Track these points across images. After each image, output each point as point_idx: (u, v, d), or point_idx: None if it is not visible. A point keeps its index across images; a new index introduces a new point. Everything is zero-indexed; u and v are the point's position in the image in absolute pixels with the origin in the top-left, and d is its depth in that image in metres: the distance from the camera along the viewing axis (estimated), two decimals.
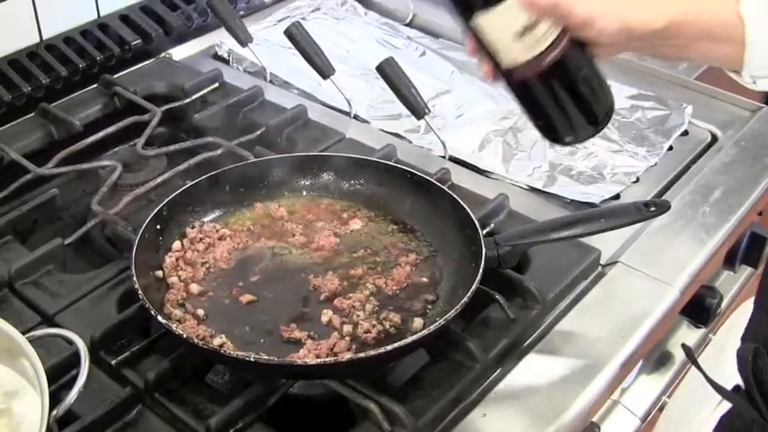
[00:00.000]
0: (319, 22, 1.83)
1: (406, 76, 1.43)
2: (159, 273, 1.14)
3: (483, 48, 0.95)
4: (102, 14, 1.68)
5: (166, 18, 1.73)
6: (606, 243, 1.24)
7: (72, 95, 1.57)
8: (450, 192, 1.20)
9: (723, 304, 1.42)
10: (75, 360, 0.99)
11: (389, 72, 1.43)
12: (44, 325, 1.10)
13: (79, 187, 1.43)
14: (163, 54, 1.71)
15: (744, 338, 1.15)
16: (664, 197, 1.37)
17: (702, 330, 1.43)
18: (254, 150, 1.37)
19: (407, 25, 1.88)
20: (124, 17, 1.70)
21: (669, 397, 1.36)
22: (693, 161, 1.46)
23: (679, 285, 1.21)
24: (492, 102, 1.57)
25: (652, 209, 1.11)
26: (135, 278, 1.05)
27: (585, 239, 1.20)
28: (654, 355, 1.36)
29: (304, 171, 1.28)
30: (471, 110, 1.55)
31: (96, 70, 1.60)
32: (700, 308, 1.38)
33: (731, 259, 1.45)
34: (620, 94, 1.61)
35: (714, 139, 1.51)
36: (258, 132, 1.43)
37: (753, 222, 1.42)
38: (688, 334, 1.42)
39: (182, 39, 1.75)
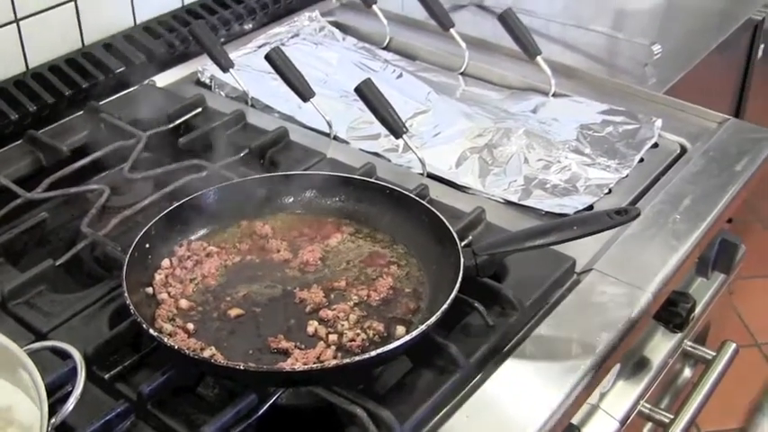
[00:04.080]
0: (298, 48, 1.87)
1: (383, 97, 1.48)
2: (149, 290, 1.18)
3: None
4: (86, 43, 1.73)
5: (149, 46, 1.77)
6: (581, 252, 1.29)
7: (59, 122, 1.62)
8: (428, 205, 1.24)
9: (697, 310, 1.47)
10: (68, 376, 1.03)
11: (368, 93, 1.47)
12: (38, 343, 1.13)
13: (68, 211, 1.46)
14: (146, 81, 1.75)
15: None
16: (638, 205, 1.42)
17: (678, 335, 1.47)
18: (238, 171, 1.41)
19: (384, 49, 1.92)
20: (108, 45, 1.74)
21: (647, 401, 1.40)
22: (663, 172, 1.51)
23: (651, 290, 1.25)
24: (468, 120, 1.61)
25: (622, 216, 1.15)
26: (126, 294, 1.09)
27: (561, 249, 1.25)
28: (631, 361, 1.40)
29: (287, 189, 1.32)
30: (448, 128, 1.60)
31: (82, 97, 1.64)
32: (674, 313, 1.43)
33: (704, 266, 1.49)
34: (592, 109, 1.66)
35: (683, 150, 1.56)
36: (241, 154, 1.47)
37: (723, 230, 1.47)
38: (664, 339, 1.46)
39: (165, 66, 1.79)
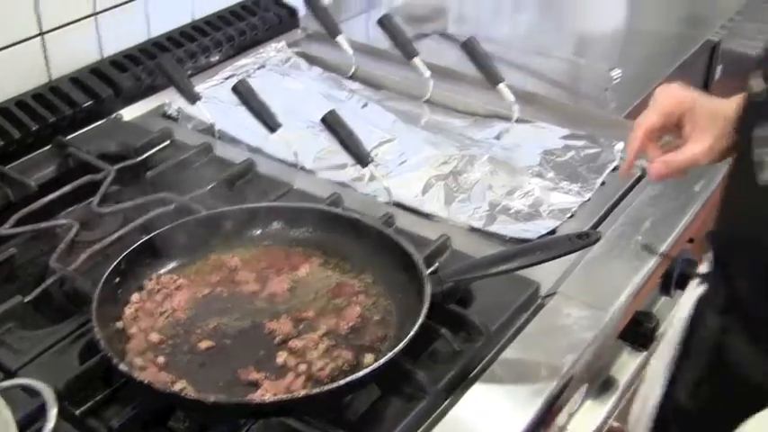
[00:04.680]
0: (265, 79, 1.89)
1: (348, 127, 1.50)
2: (119, 324, 1.19)
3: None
4: (53, 78, 1.74)
5: (116, 79, 1.78)
6: (545, 275, 1.31)
7: (26, 157, 1.62)
8: (392, 234, 1.26)
9: (661, 328, 1.49)
10: (40, 413, 1.03)
11: (333, 124, 1.49)
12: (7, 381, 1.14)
13: (37, 246, 1.46)
14: (114, 114, 1.76)
15: None
16: (597, 230, 1.44)
17: (644, 354, 1.50)
18: (206, 204, 1.42)
19: (350, 78, 1.95)
20: (75, 80, 1.75)
21: (615, 420, 1.42)
22: (624, 195, 1.54)
23: (615, 311, 1.28)
24: (433, 148, 1.63)
25: (583, 240, 1.18)
26: (96, 329, 1.10)
27: (525, 273, 1.27)
28: (598, 380, 1.42)
29: (255, 221, 1.34)
30: (413, 157, 1.62)
31: (49, 132, 1.65)
32: (639, 333, 1.46)
33: (666, 285, 1.52)
34: (554, 134, 1.69)
35: (643, 173, 1.59)
36: (209, 187, 1.48)
37: (684, 249, 1.50)
38: (630, 358, 1.49)
39: (132, 99, 1.80)
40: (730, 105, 1.19)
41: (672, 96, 1.20)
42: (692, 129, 1.16)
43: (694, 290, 1.28)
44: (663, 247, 1.40)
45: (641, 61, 2.07)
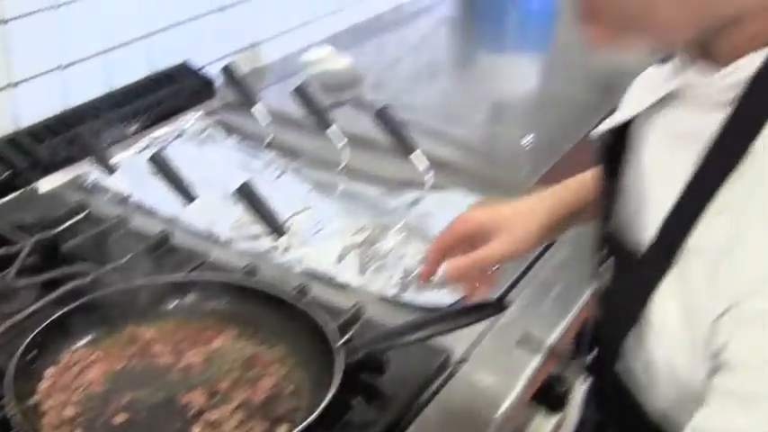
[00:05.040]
0: (182, 149, 1.91)
1: (263, 198, 1.52)
2: (35, 398, 1.19)
3: None
4: None
5: (33, 150, 1.79)
6: (457, 342, 1.34)
7: None
8: (304, 306, 1.29)
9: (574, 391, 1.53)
10: None
11: (247, 195, 1.52)
12: None
13: None
14: (31, 185, 1.76)
15: None
16: (509, 296, 1.48)
17: (558, 415, 1.53)
18: (123, 276, 1.43)
19: (267, 147, 1.97)
20: None
21: None
22: (534, 261, 1.58)
23: (527, 377, 1.32)
24: (347, 217, 1.67)
25: (493, 308, 1.22)
26: (10, 406, 1.10)
27: (438, 340, 1.30)
28: None
29: (170, 294, 1.35)
30: (328, 226, 1.65)
31: None
32: (552, 396, 1.49)
33: (579, 347, 1.55)
34: (467, 201, 1.73)
35: (552, 240, 1.64)
36: (125, 259, 1.49)
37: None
38: (544, 421, 1.52)
39: (49, 170, 1.81)
40: (536, 201, 1.24)
41: (466, 220, 1.23)
42: (495, 235, 1.20)
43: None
44: (573, 312, 1.44)
45: (554, 127, 2.13)
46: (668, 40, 0.84)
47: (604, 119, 1.03)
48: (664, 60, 0.94)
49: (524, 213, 1.21)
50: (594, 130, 1.02)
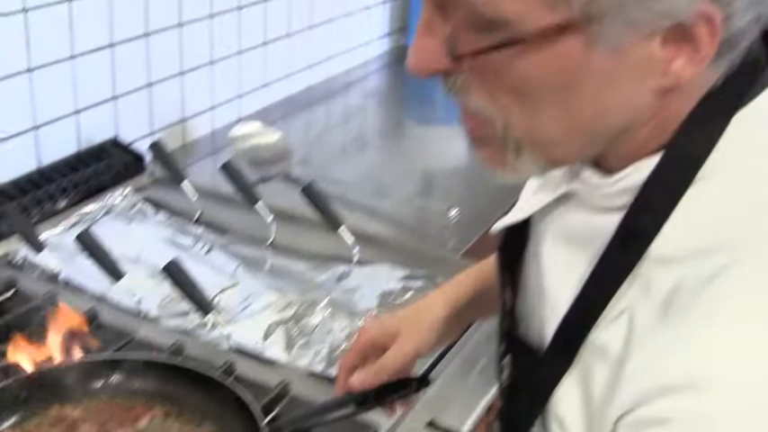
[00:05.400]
0: (111, 225, 1.92)
1: (190, 276, 1.54)
2: None
3: None
4: None
5: None
6: (383, 418, 1.36)
7: None
8: (230, 384, 1.30)
9: None
10: None
11: (175, 273, 1.54)
12: None
13: None
14: None
15: None
16: (435, 369, 1.51)
17: None
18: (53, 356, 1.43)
19: (195, 223, 1.99)
20: None
21: None
22: (461, 335, 1.60)
23: None
24: (275, 293, 1.69)
25: (415, 385, 1.24)
26: None
27: (364, 416, 1.32)
28: None
29: (97, 373, 1.35)
30: (255, 302, 1.67)
31: None
32: None
33: None
34: (393, 275, 1.77)
35: (461, 332, 1.66)
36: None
37: None
38: None
39: None
40: (435, 296, 1.27)
41: (368, 331, 1.26)
42: (390, 343, 1.23)
43: None
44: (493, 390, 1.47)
45: (480, 200, 2.17)
46: (559, 157, 0.83)
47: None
48: None
49: (420, 312, 1.24)
50: (494, 227, 1.04)
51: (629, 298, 0.81)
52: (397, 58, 3.38)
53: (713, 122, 0.79)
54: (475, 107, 0.80)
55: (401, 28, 3.45)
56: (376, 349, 1.21)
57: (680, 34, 0.71)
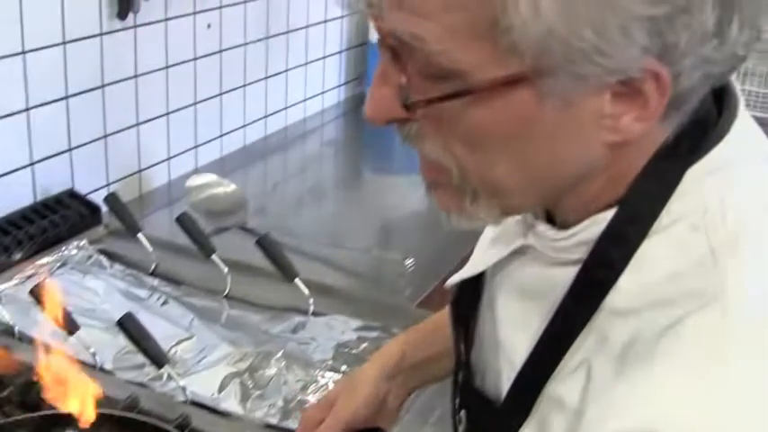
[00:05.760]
0: (66, 277, 1.92)
1: (145, 329, 1.54)
2: None
3: None
4: None
5: None
6: None
7: None
8: None
9: None
10: None
11: (129, 326, 1.54)
12: None
13: None
14: None
15: None
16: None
17: None
18: (4, 412, 1.43)
19: (151, 275, 1.99)
20: None
21: None
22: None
23: None
24: (230, 345, 1.69)
25: None
26: None
27: None
28: None
29: (51, 428, 1.35)
30: (211, 354, 1.67)
31: None
32: None
33: None
34: (348, 326, 1.78)
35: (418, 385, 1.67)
36: (6, 392, 1.49)
37: None
38: None
39: None
40: (383, 352, 1.30)
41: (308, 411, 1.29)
42: (338, 400, 1.25)
43: None
44: None
45: (436, 249, 2.19)
46: (515, 205, 0.85)
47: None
48: None
49: (368, 367, 1.26)
50: (448, 281, 1.05)
51: (585, 350, 0.82)
52: (353, 106, 3.41)
53: (667, 177, 0.80)
54: (430, 155, 0.82)
55: (358, 77, 3.49)
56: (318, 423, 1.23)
57: (629, 90, 0.73)
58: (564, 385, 0.83)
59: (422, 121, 0.79)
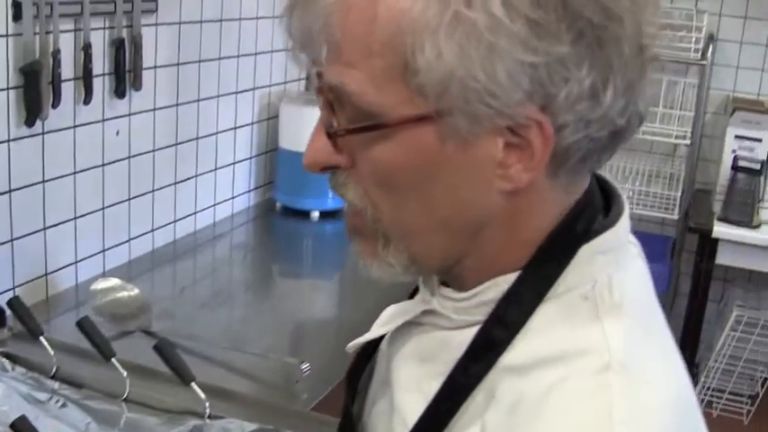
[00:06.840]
0: None
1: None
2: None
3: None
4: None
5: None
6: None
7: None
8: None
9: None
10: None
11: (22, 429, 1.57)
12: None
13: None
14: None
15: None
16: None
17: None
18: None
19: (52, 377, 2.01)
20: None
21: None
22: None
23: None
24: None
25: None
26: None
27: None
28: None
29: None
30: None
31: None
32: None
33: None
34: (242, 429, 1.82)
35: None
36: None
37: None
38: None
39: None
40: None
41: None
42: None
43: None
44: None
45: (331, 353, 2.26)
46: (422, 252, 0.93)
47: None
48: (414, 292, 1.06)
49: None
50: (348, 345, 1.11)
51: (478, 407, 0.89)
52: (263, 212, 3.48)
53: (564, 252, 0.91)
54: (351, 200, 0.92)
55: (268, 182, 3.56)
56: None
57: (518, 141, 0.84)
58: None
59: (348, 171, 0.90)
